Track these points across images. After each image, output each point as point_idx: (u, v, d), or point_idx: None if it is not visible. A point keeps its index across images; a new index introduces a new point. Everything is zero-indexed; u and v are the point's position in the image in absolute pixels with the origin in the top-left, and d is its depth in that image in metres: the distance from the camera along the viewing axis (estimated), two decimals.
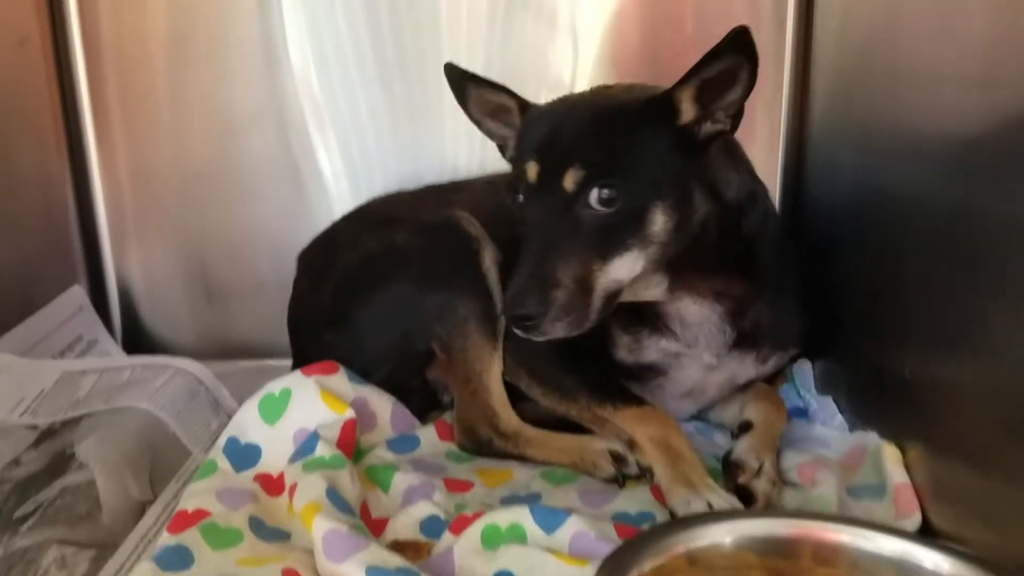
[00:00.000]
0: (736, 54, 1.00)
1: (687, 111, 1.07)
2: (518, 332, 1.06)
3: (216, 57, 1.64)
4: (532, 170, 1.08)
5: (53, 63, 1.62)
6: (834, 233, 1.41)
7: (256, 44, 1.63)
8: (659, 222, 1.06)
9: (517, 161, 1.13)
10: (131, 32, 1.63)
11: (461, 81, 1.22)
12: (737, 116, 1.08)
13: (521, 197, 1.11)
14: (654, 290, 1.15)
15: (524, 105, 1.19)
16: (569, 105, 1.16)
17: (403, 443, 1.28)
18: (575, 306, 1.03)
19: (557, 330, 1.03)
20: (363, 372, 1.30)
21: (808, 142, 1.57)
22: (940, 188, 1.02)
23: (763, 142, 1.61)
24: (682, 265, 1.12)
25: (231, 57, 1.64)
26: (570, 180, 1.05)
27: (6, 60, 1.53)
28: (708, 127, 1.08)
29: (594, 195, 1.04)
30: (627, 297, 1.12)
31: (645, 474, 1.19)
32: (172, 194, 1.69)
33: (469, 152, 1.66)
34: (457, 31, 1.61)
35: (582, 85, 1.48)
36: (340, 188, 1.69)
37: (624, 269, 1.06)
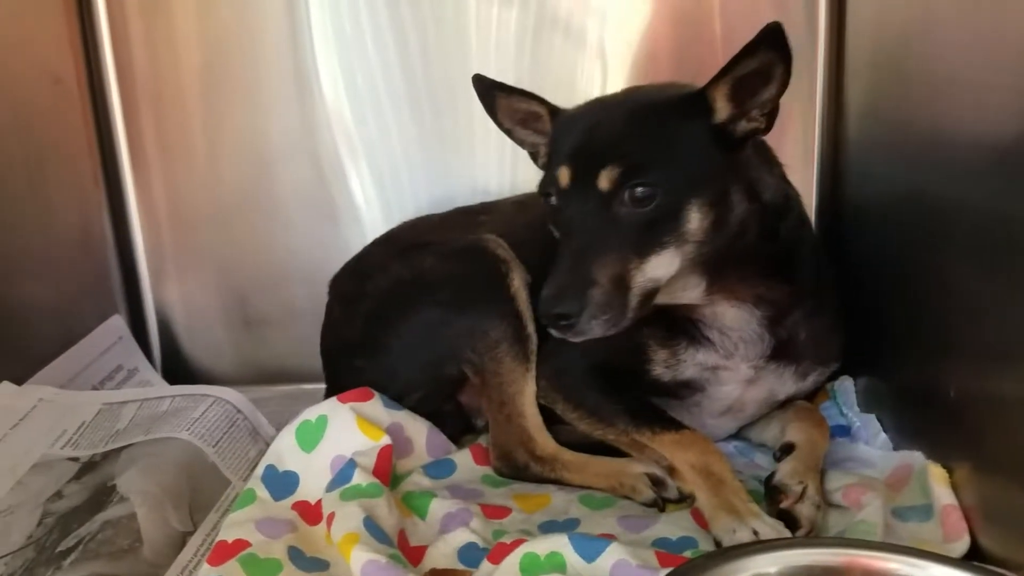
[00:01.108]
0: (769, 51, 1.00)
1: (722, 109, 1.07)
2: (554, 332, 1.05)
3: (249, 90, 1.66)
4: (564, 175, 1.09)
5: (89, 100, 1.66)
6: (874, 245, 1.39)
7: (288, 77, 1.65)
8: (695, 220, 1.05)
9: (549, 167, 1.14)
10: (165, 68, 1.66)
11: (489, 91, 1.23)
12: (772, 114, 1.07)
13: (554, 200, 1.11)
14: (692, 292, 1.13)
15: (554, 110, 1.20)
16: (601, 106, 1.17)
17: (439, 468, 1.27)
18: (612, 305, 1.02)
19: (594, 329, 1.03)
20: (395, 397, 1.30)
21: (844, 151, 1.55)
22: (982, 197, 1.00)
23: (798, 151, 1.60)
24: (720, 266, 1.11)
25: (264, 90, 1.66)
26: (605, 180, 1.05)
27: (42, 99, 1.57)
28: (743, 125, 1.07)
29: (630, 194, 1.04)
30: (663, 299, 1.11)
31: (685, 498, 1.17)
32: (208, 224, 1.72)
33: (500, 175, 1.67)
34: (486, 56, 1.62)
35: None
36: (372, 215, 1.71)
37: (661, 267, 1.06)
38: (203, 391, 1.36)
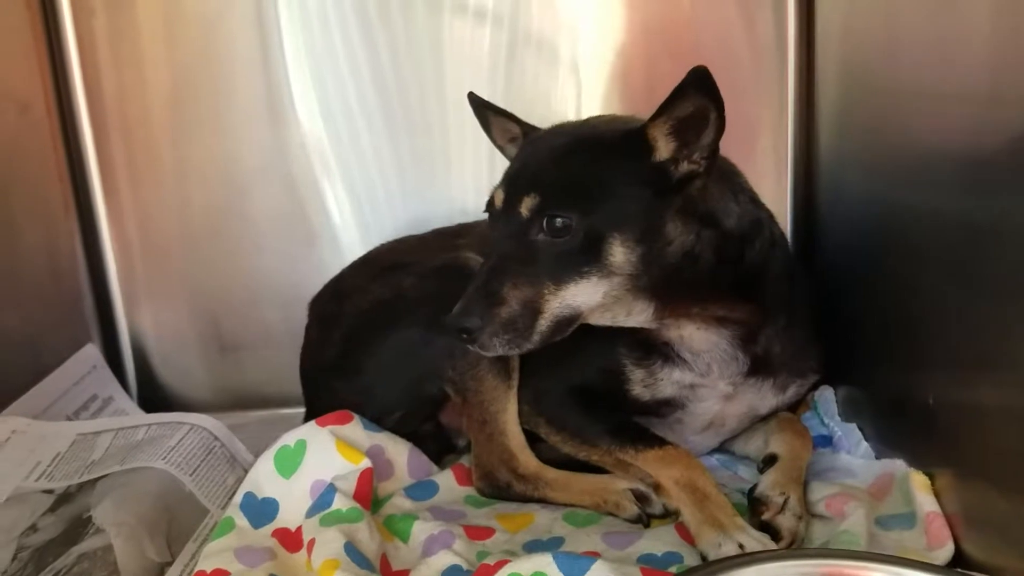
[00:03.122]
0: (700, 96, 1.01)
1: (662, 148, 1.07)
2: (468, 345, 1.10)
3: (221, 113, 1.65)
4: (498, 196, 1.13)
5: (58, 128, 1.64)
6: (849, 257, 1.40)
7: (261, 98, 1.64)
8: (619, 254, 1.06)
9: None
10: (134, 92, 1.64)
11: (482, 110, 1.29)
12: (711, 158, 1.08)
13: (490, 219, 1.16)
14: (638, 316, 1.14)
15: (526, 131, 1.25)
16: (553, 134, 1.20)
17: (421, 490, 1.26)
18: (516, 326, 1.06)
19: (496, 346, 1.07)
20: (375, 418, 1.29)
21: (817, 167, 1.56)
22: (954, 207, 1.01)
23: (771, 169, 1.61)
24: (670, 291, 1.12)
25: (236, 112, 1.65)
26: (524, 207, 1.08)
27: (11, 127, 1.55)
28: (684, 167, 1.08)
29: (547, 223, 1.06)
30: (604, 322, 1.13)
31: (670, 513, 1.17)
32: (182, 249, 1.70)
33: (477, 195, 1.66)
34: (460, 74, 1.62)
35: None
36: (350, 236, 1.69)
37: (581, 296, 1.07)
38: (179, 419, 1.34)
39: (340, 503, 1.10)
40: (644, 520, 1.18)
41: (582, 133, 1.16)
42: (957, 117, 0.99)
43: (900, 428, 1.20)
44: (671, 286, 1.11)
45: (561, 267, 1.06)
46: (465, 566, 1.04)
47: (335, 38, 1.62)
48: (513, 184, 1.12)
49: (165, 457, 1.24)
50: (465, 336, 1.07)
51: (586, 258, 1.06)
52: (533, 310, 1.07)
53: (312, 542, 1.04)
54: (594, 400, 1.25)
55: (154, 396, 1.73)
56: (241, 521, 1.13)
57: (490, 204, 1.16)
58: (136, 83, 1.64)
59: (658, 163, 1.08)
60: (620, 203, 1.07)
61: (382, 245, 1.56)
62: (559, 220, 1.06)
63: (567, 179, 1.09)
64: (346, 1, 1.60)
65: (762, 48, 1.59)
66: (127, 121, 1.65)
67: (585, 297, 1.08)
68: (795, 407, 1.36)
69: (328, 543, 1.02)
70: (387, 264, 1.44)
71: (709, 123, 1.04)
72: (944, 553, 0.99)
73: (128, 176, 1.67)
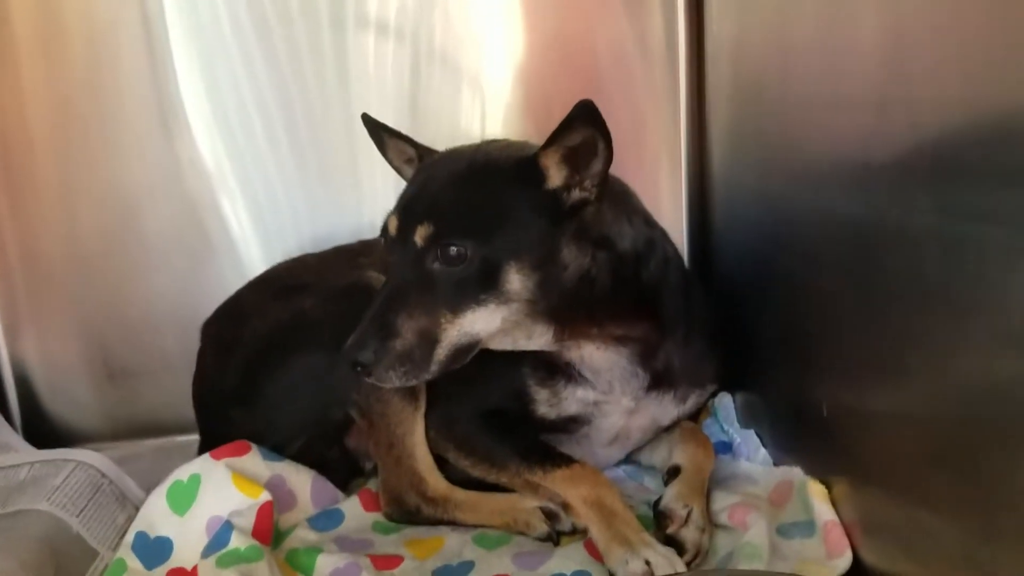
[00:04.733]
0: (588, 127, 1.02)
1: (554, 176, 1.08)
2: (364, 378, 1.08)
3: (109, 131, 1.58)
4: (393, 223, 1.12)
5: None
6: (744, 265, 1.42)
7: (152, 114, 1.58)
8: (515, 281, 1.06)
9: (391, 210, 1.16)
10: (12, 114, 1.56)
11: (377, 131, 1.27)
12: (601, 186, 1.09)
13: (384, 245, 1.15)
14: (538, 340, 1.14)
15: (421, 154, 1.24)
16: (446, 160, 1.18)
17: (326, 519, 1.23)
18: (412, 357, 1.05)
19: (392, 378, 1.06)
20: (277, 447, 1.25)
21: (710, 176, 1.59)
22: (845, 213, 1.03)
23: (665, 179, 1.63)
24: (569, 314, 1.12)
25: (125, 129, 1.58)
26: (419, 236, 1.07)
27: None
28: (576, 194, 1.09)
29: (442, 252, 1.05)
30: (505, 346, 1.13)
31: (579, 530, 1.17)
32: (66, 273, 1.62)
33: (384, 211, 1.63)
34: (365, 88, 1.60)
35: (491, 136, 1.47)
36: (250, 254, 1.65)
37: (479, 323, 1.07)
38: (64, 455, 1.26)
39: (238, 541, 1.06)
40: (554, 538, 1.18)
41: (475, 160, 1.15)
42: (847, 124, 1.01)
43: (796, 435, 1.23)
44: (569, 309, 1.11)
45: (458, 295, 1.05)
46: None
47: (233, 54, 1.57)
48: (407, 212, 1.10)
49: (49, 498, 1.16)
50: (360, 369, 1.05)
51: (483, 286, 1.05)
52: (430, 340, 1.05)
53: None
54: (501, 422, 1.24)
55: (41, 427, 1.64)
56: (133, 562, 1.08)
57: (384, 230, 1.13)
58: (14, 105, 1.56)
59: (551, 190, 1.08)
60: (515, 231, 1.07)
61: (279, 264, 1.52)
62: (454, 249, 1.04)
63: (461, 208, 1.08)
64: (243, 16, 1.56)
65: (654, 61, 1.61)
66: (5, 144, 1.57)
67: (483, 324, 1.07)
68: (696, 415, 1.38)
69: None
70: (287, 285, 1.40)
71: (598, 152, 1.05)
72: (843, 562, 1.01)
73: (8, 200, 1.59)
